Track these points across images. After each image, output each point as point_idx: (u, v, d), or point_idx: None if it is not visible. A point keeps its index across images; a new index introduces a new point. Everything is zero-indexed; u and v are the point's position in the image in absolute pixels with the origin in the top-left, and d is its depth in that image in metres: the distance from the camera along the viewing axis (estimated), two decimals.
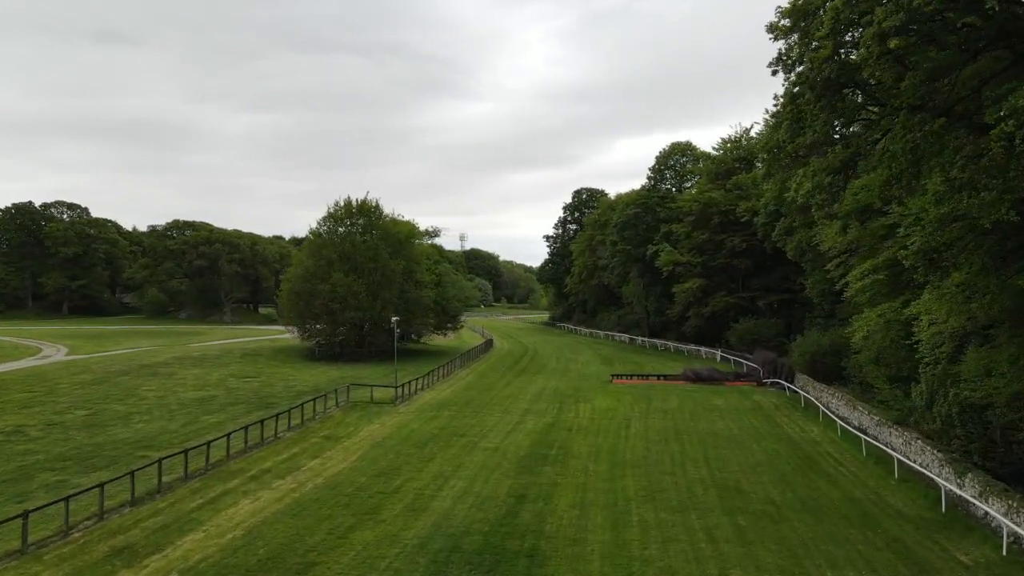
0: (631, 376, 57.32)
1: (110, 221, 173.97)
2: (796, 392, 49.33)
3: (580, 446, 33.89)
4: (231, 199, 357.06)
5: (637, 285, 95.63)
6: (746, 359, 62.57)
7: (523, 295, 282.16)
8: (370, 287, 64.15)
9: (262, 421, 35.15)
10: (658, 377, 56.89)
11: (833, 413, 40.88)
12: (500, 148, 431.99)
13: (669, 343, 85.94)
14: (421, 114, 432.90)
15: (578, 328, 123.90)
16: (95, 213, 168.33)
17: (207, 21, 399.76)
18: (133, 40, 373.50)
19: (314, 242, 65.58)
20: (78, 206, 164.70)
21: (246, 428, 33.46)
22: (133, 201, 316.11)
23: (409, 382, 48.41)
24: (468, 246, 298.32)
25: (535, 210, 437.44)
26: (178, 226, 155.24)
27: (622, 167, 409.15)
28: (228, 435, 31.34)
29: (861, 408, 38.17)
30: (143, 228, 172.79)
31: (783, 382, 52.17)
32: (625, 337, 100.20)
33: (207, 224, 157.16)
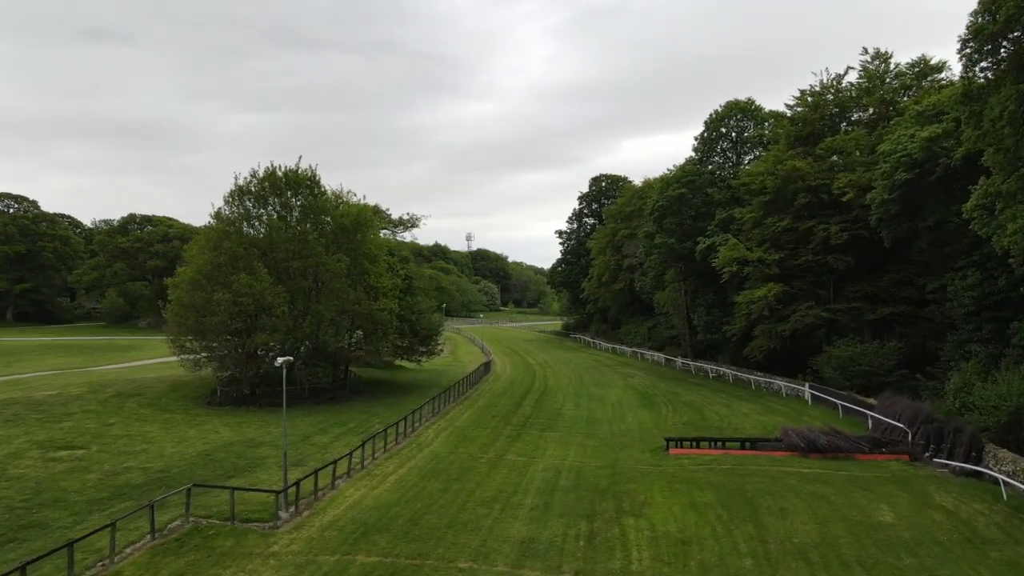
0: (696, 442, 35.73)
1: (66, 216, 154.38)
2: (1011, 484, 27.56)
3: None
4: None
5: (677, 290, 74.14)
6: (871, 409, 40.67)
7: (533, 299, 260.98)
8: (296, 296, 43.07)
9: None
10: (742, 444, 35.27)
11: None
12: (503, 149, 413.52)
13: (723, 369, 64.28)
14: (420, 114, 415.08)
15: (597, 341, 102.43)
16: (83, 215, 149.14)
17: (195, 18, 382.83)
18: (123, 37, 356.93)
19: (213, 229, 44.41)
20: (25, 199, 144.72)
21: None
22: (128, 202, 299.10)
23: (315, 472, 26.95)
24: (475, 246, 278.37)
25: (544, 211, 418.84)
26: (135, 221, 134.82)
27: (629, 167, 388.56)
28: None
29: None
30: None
31: (969, 465, 30.40)
32: (659, 357, 78.61)
33: (168, 219, 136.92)
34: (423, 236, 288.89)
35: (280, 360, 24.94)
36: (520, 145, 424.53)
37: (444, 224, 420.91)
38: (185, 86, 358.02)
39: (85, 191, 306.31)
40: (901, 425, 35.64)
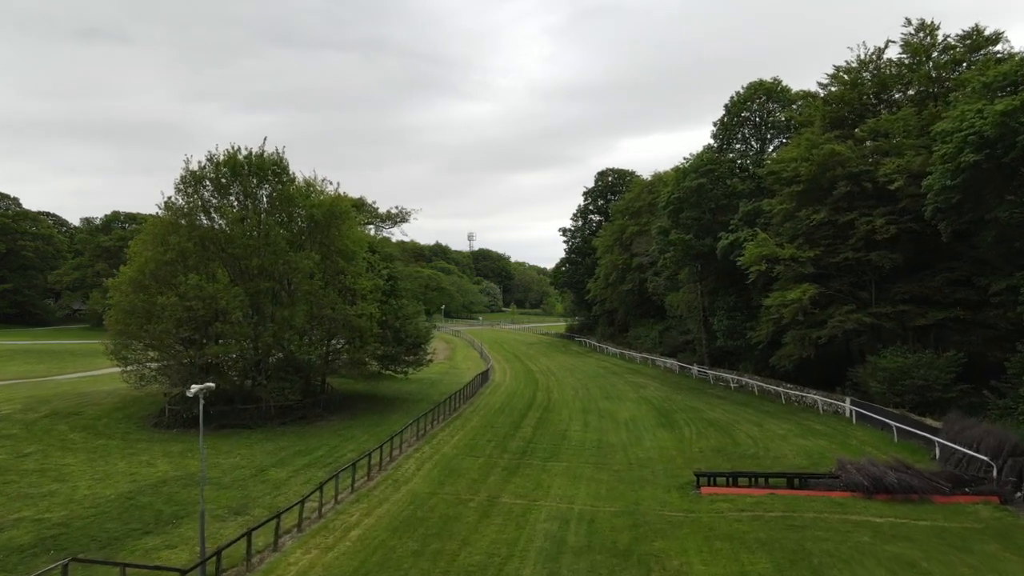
0: (733, 477, 29.38)
1: (50, 214, 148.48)
2: None
3: None
4: None
5: (692, 292, 67.81)
6: (934, 433, 34.28)
7: (536, 300, 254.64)
8: (260, 299, 36.96)
9: None
10: (790, 481, 28.95)
11: None
12: (503, 148, 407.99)
13: (746, 379, 58.02)
14: (418, 114, 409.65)
15: (604, 346, 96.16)
16: (82, 217, 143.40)
17: (189, 17, 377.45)
18: (118, 37, 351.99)
19: (161, 221, 38.22)
20: (6, 196, 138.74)
21: None
22: (130, 203, 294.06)
23: (249, 533, 20.66)
24: (476, 247, 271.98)
25: (546, 211, 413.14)
26: (119, 219, 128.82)
27: (629, 167, 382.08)
28: None
29: None
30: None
31: None
32: (673, 364, 72.34)
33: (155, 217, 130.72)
34: (424, 236, 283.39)
35: (195, 388, 18.74)
36: (521, 145, 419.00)
37: (446, 224, 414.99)
38: (182, 86, 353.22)
39: (86, 192, 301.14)
40: (983, 457, 29.25)
